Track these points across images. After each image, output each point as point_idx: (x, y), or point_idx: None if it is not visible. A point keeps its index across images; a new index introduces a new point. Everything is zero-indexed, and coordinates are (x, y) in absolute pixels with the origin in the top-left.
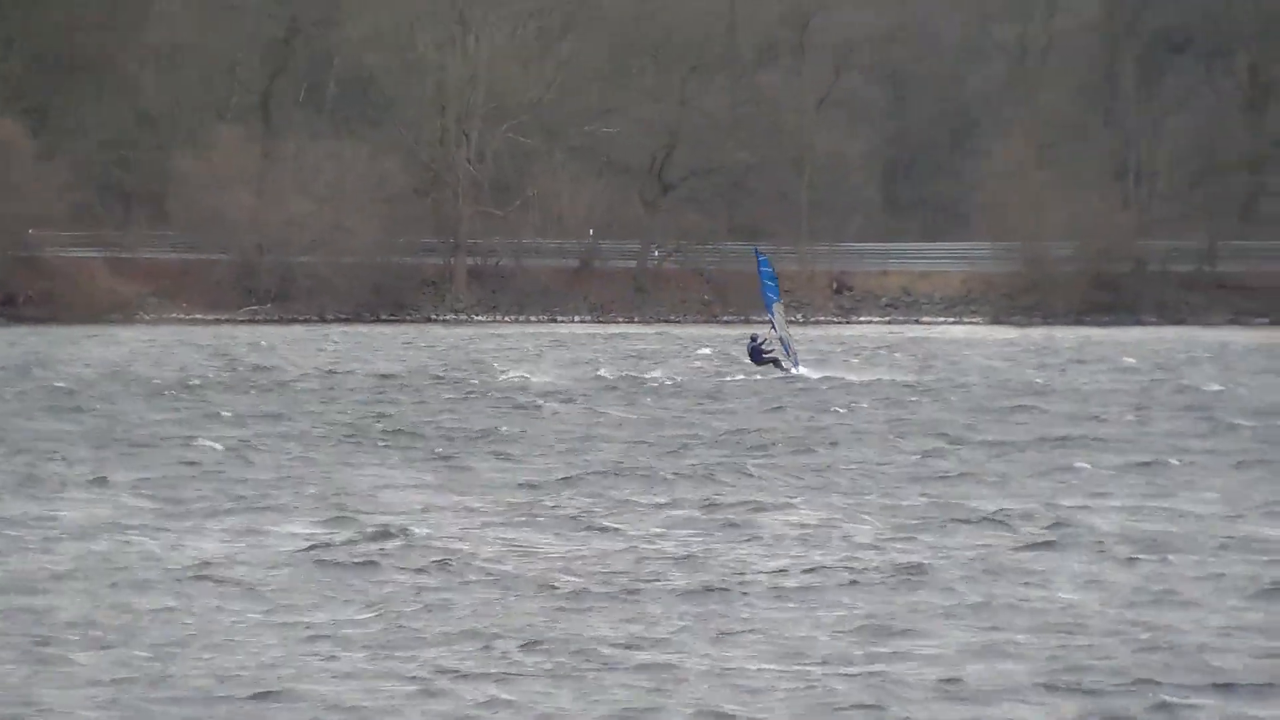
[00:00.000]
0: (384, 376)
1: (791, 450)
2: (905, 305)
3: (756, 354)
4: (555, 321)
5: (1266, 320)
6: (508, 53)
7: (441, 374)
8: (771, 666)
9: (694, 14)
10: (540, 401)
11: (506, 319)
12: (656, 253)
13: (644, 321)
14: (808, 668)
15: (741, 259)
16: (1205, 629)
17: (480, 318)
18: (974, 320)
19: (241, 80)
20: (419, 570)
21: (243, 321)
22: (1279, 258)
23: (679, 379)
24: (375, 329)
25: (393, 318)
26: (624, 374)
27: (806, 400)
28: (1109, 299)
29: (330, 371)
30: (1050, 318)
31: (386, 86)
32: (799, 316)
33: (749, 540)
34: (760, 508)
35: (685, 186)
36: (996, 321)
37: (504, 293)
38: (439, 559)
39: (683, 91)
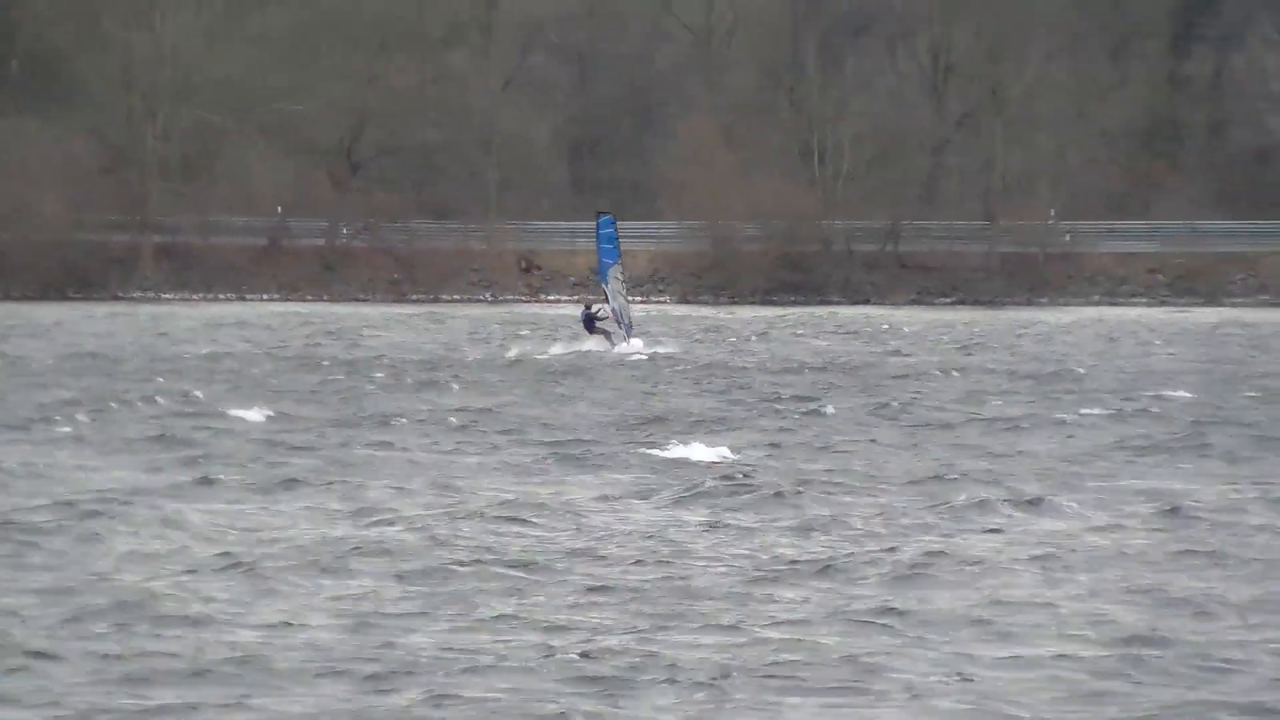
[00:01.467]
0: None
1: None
2: (593, 284)
3: (589, 322)
4: (244, 300)
5: (948, 300)
6: (195, 30)
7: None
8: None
9: None
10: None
11: (195, 297)
12: (345, 231)
13: (333, 300)
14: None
15: (430, 238)
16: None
17: (168, 295)
18: (661, 299)
19: None
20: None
21: None
22: (959, 238)
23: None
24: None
25: (80, 296)
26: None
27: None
28: (795, 279)
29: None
30: (737, 297)
31: (72, 63)
32: (488, 295)
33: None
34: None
35: (374, 165)
36: (684, 300)
37: (192, 270)
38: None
39: (371, 70)
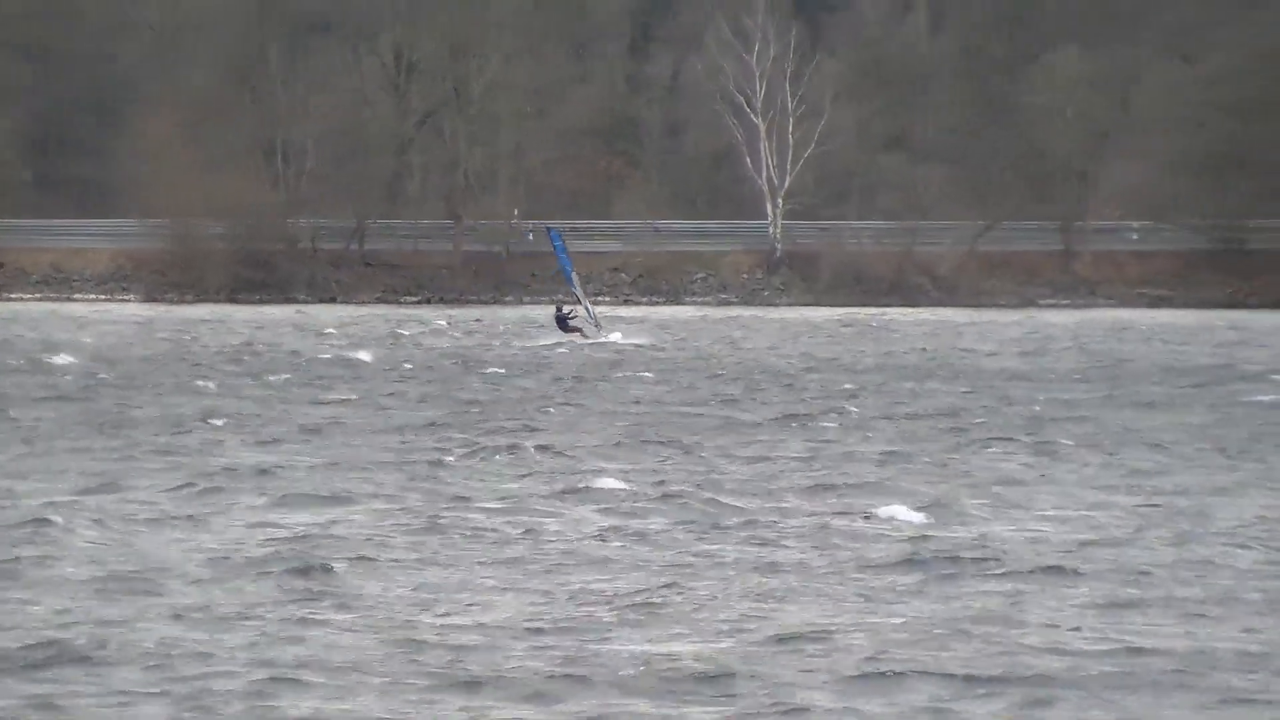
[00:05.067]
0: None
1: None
2: (57, 282)
3: (562, 322)
4: None
5: (414, 299)
6: None
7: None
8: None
9: None
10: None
11: None
12: None
13: None
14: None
15: None
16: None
17: None
18: (126, 298)
19: None
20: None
21: None
22: (425, 237)
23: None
24: None
25: None
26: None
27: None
28: (260, 277)
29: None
30: (202, 295)
31: None
32: None
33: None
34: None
35: None
36: (149, 299)
37: None
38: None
39: None
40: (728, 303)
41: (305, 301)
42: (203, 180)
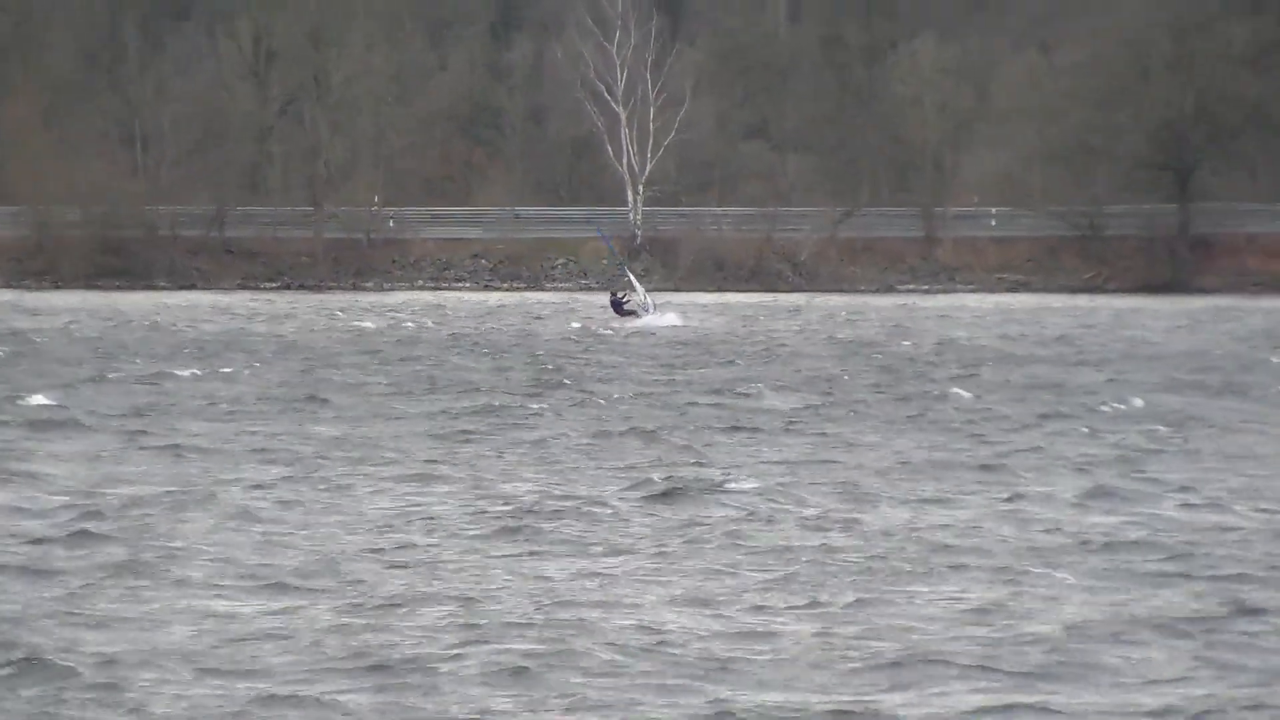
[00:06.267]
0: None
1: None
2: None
3: (618, 307)
4: None
5: (274, 285)
6: None
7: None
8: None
9: None
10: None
11: None
12: None
13: None
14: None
15: None
16: None
17: None
18: None
19: None
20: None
21: None
22: (285, 224)
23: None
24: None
25: None
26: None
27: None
28: (120, 264)
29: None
30: (60, 283)
31: None
32: None
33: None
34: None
35: None
36: (6, 286)
37: None
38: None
39: None
40: (589, 289)
41: (165, 289)
42: (61, 166)
